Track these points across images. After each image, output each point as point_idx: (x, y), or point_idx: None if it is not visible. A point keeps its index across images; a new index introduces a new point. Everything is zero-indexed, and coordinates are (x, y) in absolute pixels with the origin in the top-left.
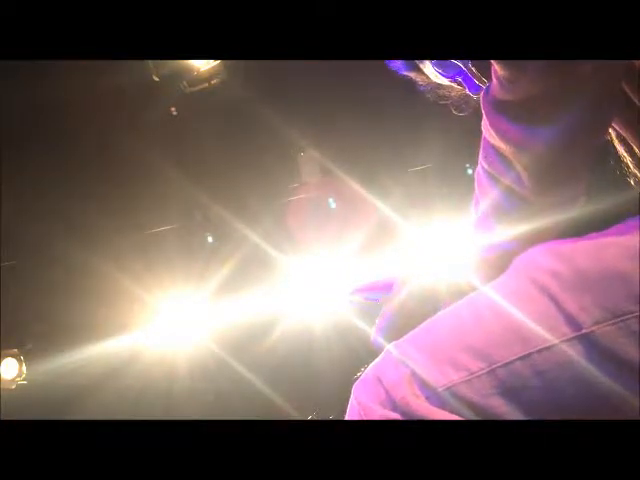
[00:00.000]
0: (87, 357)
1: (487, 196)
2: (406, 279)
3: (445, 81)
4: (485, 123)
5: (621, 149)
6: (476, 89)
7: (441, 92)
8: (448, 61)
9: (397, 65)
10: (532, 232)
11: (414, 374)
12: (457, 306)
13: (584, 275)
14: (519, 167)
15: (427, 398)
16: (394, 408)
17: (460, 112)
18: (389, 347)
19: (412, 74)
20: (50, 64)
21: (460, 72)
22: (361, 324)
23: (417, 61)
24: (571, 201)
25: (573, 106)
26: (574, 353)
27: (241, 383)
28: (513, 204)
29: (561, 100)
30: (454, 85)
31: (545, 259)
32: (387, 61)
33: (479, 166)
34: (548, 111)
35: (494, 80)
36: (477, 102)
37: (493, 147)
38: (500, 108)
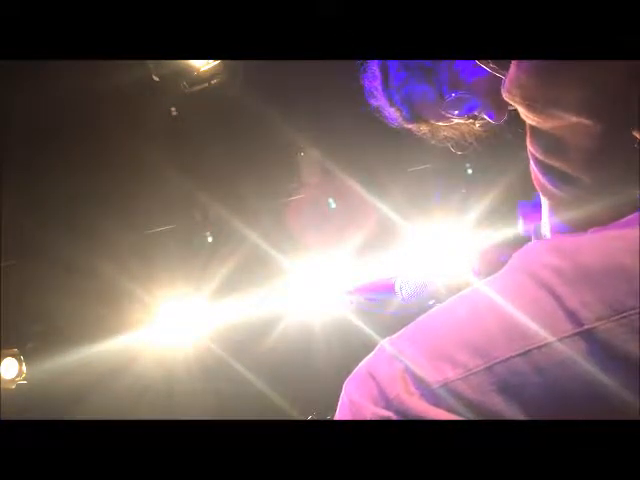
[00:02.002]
0: (87, 357)
1: (543, 187)
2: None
3: (454, 120)
4: (519, 109)
5: None
6: (496, 116)
7: (444, 134)
8: (461, 98)
9: (395, 121)
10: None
11: (408, 370)
12: (454, 301)
13: (586, 270)
14: (560, 142)
15: (422, 395)
16: (387, 406)
17: (462, 150)
18: (383, 343)
19: (412, 126)
20: (50, 64)
21: (475, 104)
22: (361, 324)
23: (421, 109)
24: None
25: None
26: (575, 350)
27: (241, 383)
28: (568, 191)
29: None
30: (462, 121)
31: (545, 254)
32: (386, 119)
33: (530, 158)
34: (559, 94)
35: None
36: (478, 140)
37: (532, 128)
38: (519, 87)
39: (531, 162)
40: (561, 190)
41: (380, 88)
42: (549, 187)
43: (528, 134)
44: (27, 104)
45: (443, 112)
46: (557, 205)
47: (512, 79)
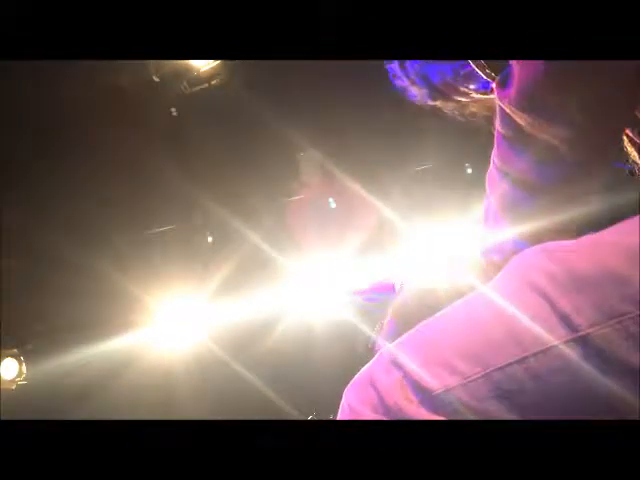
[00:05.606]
0: (87, 357)
1: (497, 192)
2: (406, 283)
3: (474, 95)
4: (497, 113)
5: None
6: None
7: (471, 110)
8: (473, 72)
9: (420, 99)
10: (536, 232)
11: (407, 378)
12: (452, 309)
13: (579, 276)
14: (531, 155)
15: (420, 402)
16: (386, 413)
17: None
18: (383, 350)
19: (438, 103)
20: (50, 64)
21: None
22: (361, 324)
23: (441, 87)
24: (583, 197)
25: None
26: (571, 355)
27: (241, 383)
28: (523, 196)
29: (561, 91)
30: (483, 96)
31: (540, 260)
32: (409, 96)
33: (491, 165)
34: (549, 101)
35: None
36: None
37: (504, 138)
38: (508, 96)
39: (493, 171)
40: (521, 199)
41: (399, 70)
42: (512, 198)
43: (495, 142)
44: (27, 104)
45: (461, 88)
46: (509, 211)
47: (522, 90)
